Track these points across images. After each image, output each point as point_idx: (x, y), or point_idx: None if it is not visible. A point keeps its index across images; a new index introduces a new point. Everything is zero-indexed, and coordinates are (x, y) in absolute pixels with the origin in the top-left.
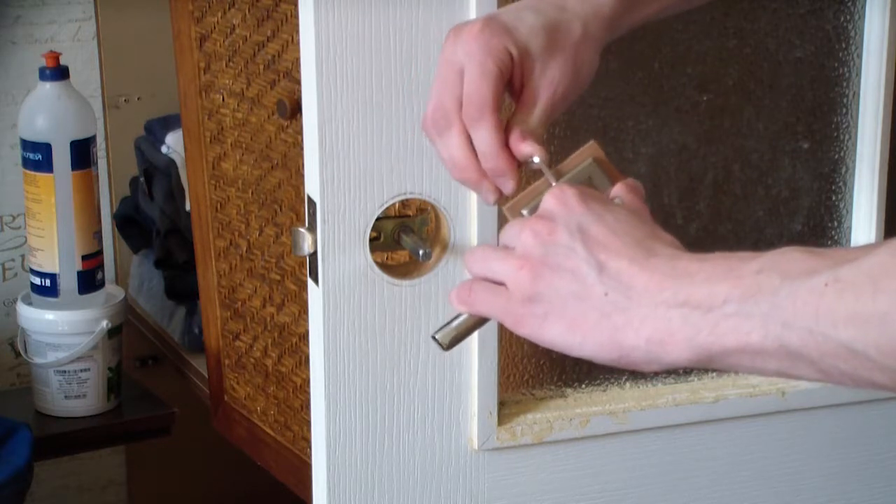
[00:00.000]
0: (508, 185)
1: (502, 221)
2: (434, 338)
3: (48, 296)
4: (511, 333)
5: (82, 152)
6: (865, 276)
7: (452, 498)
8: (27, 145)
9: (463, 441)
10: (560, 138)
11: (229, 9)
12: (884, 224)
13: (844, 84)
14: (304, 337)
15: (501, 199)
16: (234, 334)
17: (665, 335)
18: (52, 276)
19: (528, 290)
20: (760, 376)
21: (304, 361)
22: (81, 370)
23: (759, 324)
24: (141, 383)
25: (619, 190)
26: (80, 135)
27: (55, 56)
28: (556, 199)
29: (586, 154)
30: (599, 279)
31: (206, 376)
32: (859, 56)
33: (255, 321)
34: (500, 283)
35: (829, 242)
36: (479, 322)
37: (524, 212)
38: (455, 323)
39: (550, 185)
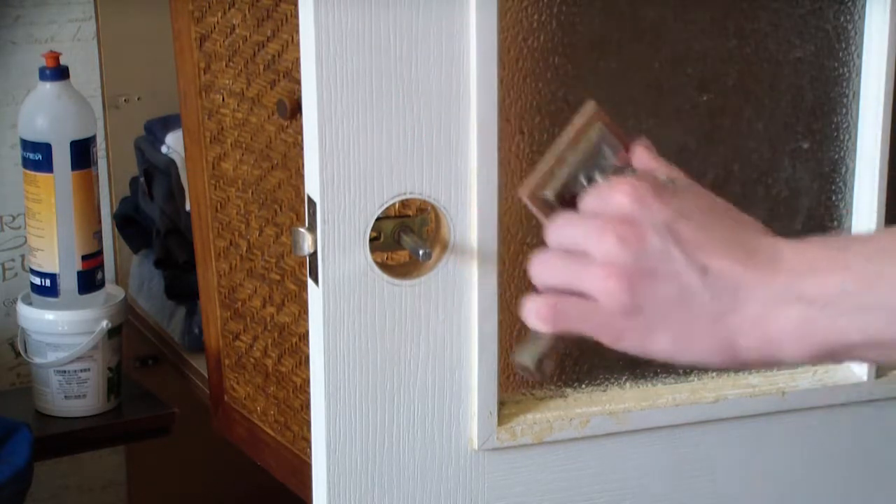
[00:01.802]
0: None
1: (503, 223)
2: (521, 364)
3: (48, 296)
4: (511, 333)
5: (82, 152)
6: None
7: (452, 498)
8: (27, 145)
9: (463, 441)
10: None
11: (229, 9)
12: (884, 224)
13: (844, 84)
14: (304, 337)
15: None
16: (234, 334)
17: (782, 334)
18: (52, 276)
19: (626, 300)
20: (763, 376)
21: (304, 361)
22: (81, 370)
23: (882, 316)
24: (141, 383)
25: (642, 156)
26: (80, 135)
27: (55, 56)
28: (630, 196)
29: (591, 119)
30: (703, 283)
31: (206, 376)
32: (859, 56)
33: (255, 321)
34: (580, 294)
35: None
36: (560, 339)
37: (547, 194)
38: (535, 344)
39: (562, 160)
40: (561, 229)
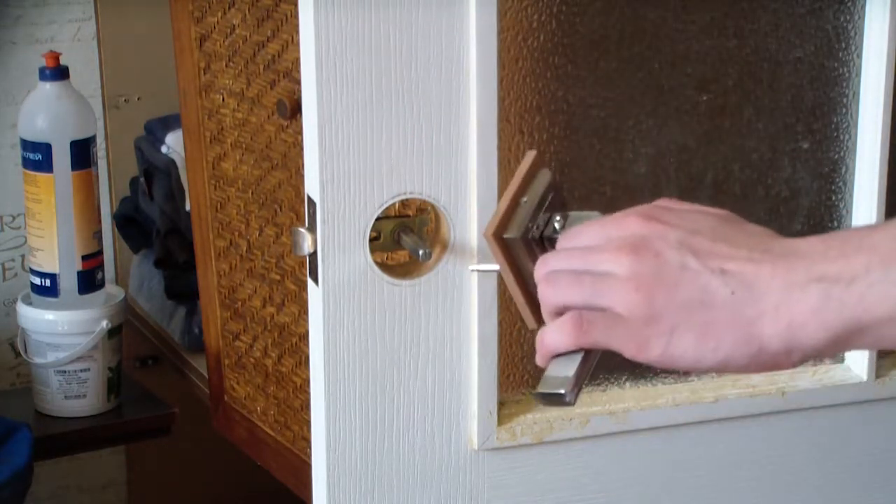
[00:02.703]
0: None
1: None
2: (550, 394)
3: (48, 296)
4: (511, 333)
5: (82, 152)
6: None
7: (452, 498)
8: (27, 145)
9: (463, 441)
10: (559, 138)
11: (229, 9)
12: None
13: (844, 84)
14: (304, 337)
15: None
16: (234, 334)
17: (806, 316)
18: (52, 276)
19: (648, 309)
20: (763, 375)
21: (304, 361)
22: (81, 370)
23: None
24: (141, 383)
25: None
26: (80, 135)
27: (55, 56)
28: (641, 220)
29: (534, 166)
30: (722, 282)
31: (206, 376)
32: (859, 56)
33: (255, 321)
34: (602, 310)
35: None
36: (587, 359)
37: (511, 234)
38: (558, 369)
39: (516, 203)
40: (570, 254)
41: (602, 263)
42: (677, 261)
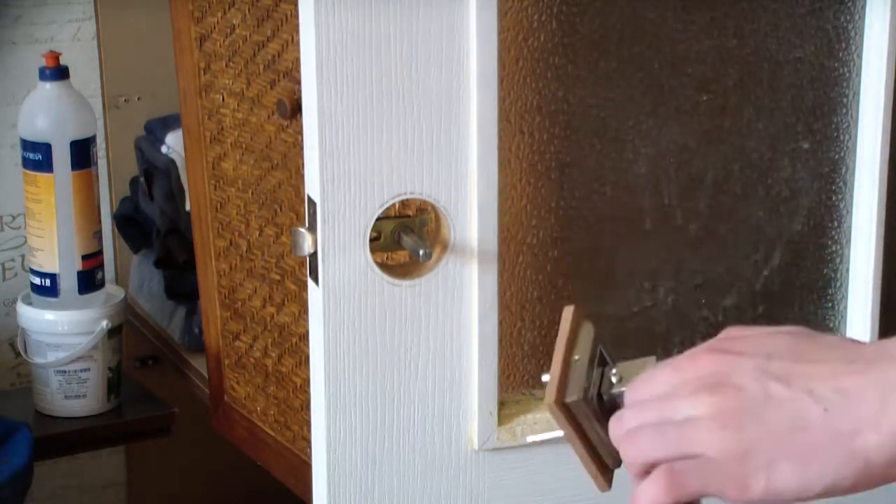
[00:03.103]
0: None
1: (503, 223)
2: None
3: (48, 296)
4: (511, 333)
5: (82, 152)
6: None
7: (452, 498)
8: (27, 145)
9: (463, 441)
10: (559, 138)
11: (229, 9)
12: (884, 224)
13: (844, 84)
14: (304, 337)
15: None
16: (234, 334)
17: None
18: (52, 276)
19: (740, 444)
20: None
21: (304, 361)
22: (81, 370)
23: None
24: (141, 383)
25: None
26: (80, 135)
27: (55, 56)
28: (713, 356)
29: (575, 320)
30: (813, 401)
31: (206, 376)
32: (859, 56)
33: (255, 321)
34: (692, 458)
35: (829, 242)
36: None
37: (573, 397)
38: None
39: (568, 363)
40: (644, 406)
41: (681, 410)
42: (760, 390)
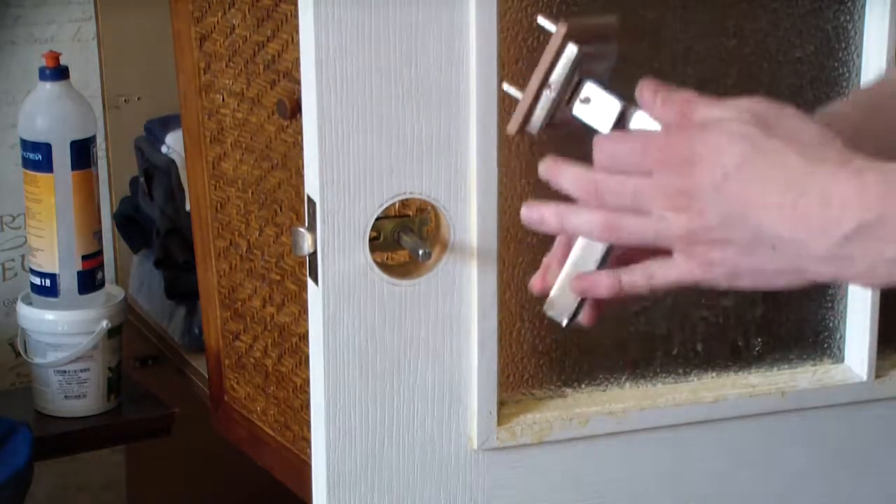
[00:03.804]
0: None
1: (503, 223)
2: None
3: (48, 296)
4: (511, 333)
5: (82, 152)
6: None
7: (452, 498)
8: (27, 145)
9: (463, 441)
10: (559, 138)
11: (229, 9)
12: None
13: (844, 84)
14: (304, 337)
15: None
16: (234, 334)
17: (842, 196)
18: (52, 276)
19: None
20: (763, 375)
21: (304, 361)
22: (81, 370)
23: None
24: (141, 383)
25: (648, 96)
26: (80, 135)
27: (55, 56)
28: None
29: (562, 42)
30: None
31: (206, 376)
32: (859, 56)
33: (255, 321)
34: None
35: None
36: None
37: (532, 128)
38: (564, 298)
39: (537, 95)
40: (620, 184)
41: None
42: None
